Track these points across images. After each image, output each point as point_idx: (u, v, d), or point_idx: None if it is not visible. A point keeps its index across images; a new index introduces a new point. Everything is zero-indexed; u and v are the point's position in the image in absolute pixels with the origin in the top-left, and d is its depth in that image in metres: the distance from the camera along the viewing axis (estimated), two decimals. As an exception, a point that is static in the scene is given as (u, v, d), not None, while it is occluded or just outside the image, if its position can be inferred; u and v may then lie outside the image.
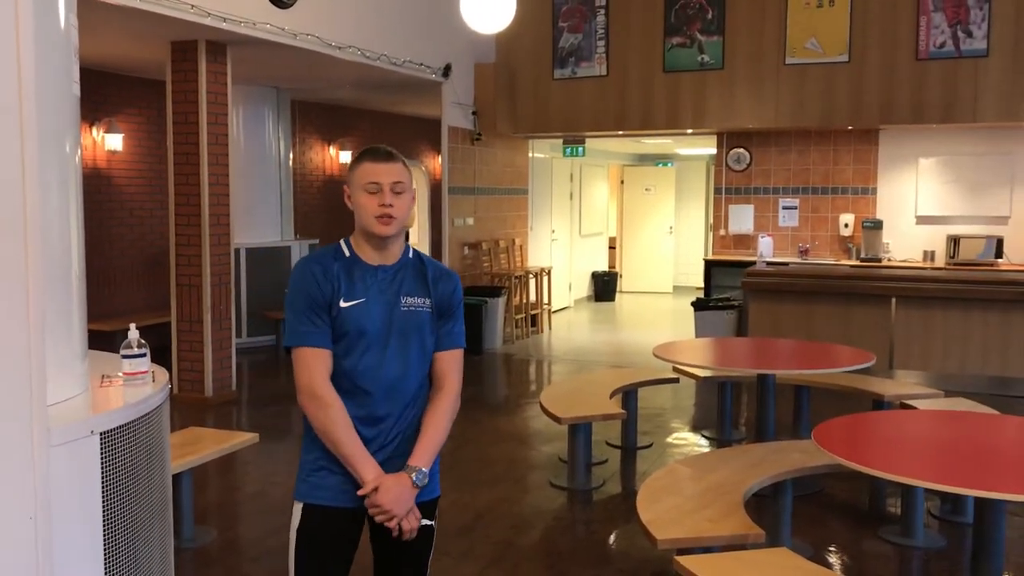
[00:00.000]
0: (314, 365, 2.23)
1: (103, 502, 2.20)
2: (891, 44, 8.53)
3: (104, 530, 2.21)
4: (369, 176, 2.25)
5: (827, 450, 3.24)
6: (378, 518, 2.22)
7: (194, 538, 4.23)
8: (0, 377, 2.01)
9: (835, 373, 5.49)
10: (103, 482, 2.21)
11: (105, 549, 2.21)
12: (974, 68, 8.25)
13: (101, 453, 2.20)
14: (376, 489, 2.19)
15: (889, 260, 9.37)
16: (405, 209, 2.28)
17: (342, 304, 2.25)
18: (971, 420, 4.04)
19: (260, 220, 9.60)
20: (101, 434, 2.21)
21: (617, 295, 14.22)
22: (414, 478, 2.22)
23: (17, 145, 2.00)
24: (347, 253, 2.32)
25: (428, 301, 2.33)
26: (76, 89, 2.48)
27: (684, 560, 2.99)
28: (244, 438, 4.55)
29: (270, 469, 5.47)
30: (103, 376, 2.63)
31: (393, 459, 2.28)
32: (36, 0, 2.07)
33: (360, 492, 2.21)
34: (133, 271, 9.00)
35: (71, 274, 2.44)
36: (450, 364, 2.36)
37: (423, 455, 2.26)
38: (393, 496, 2.19)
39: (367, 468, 2.21)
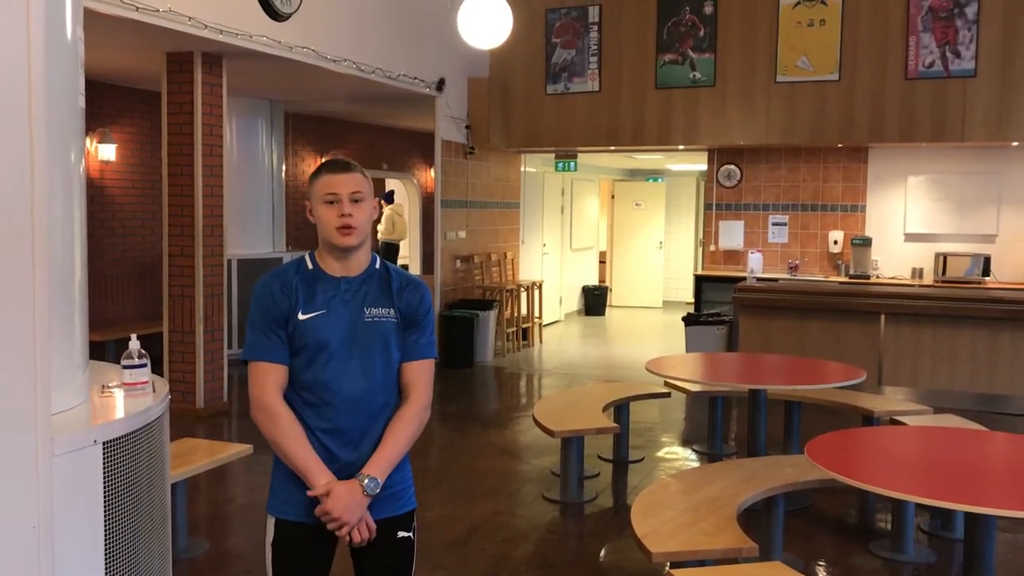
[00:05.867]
0: (266, 379, 2.24)
1: (105, 511, 2.21)
2: (881, 63, 8.63)
3: (106, 539, 2.21)
4: (327, 188, 2.25)
5: (821, 465, 3.27)
6: (329, 526, 2.19)
7: (187, 549, 4.23)
8: (5, 386, 2.02)
9: (826, 389, 5.53)
10: (105, 492, 2.22)
11: (106, 558, 2.22)
12: (962, 88, 8.35)
13: (103, 463, 2.21)
14: (327, 495, 2.17)
15: (878, 277, 9.45)
16: (365, 218, 2.27)
17: (300, 317, 2.24)
18: (961, 436, 4.08)
19: (252, 231, 9.59)
20: (104, 444, 2.22)
21: (607, 309, 14.26)
22: (365, 485, 2.19)
23: (27, 157, 2.01)
24: (310, 266, 2.32)
25: (392, 311, 2.31)
26: (81, 101, 2.50)
27: (678, 573, 3.01)
28: (238, 449, 4.54)
29: (262, 481, 5.43)
30: (103, 386, 2.64)
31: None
32: (46, 12, 2.09)
33: (310, 493, 2.19)
34: (124, 281, 8.98)
35: (74, 284, 2.45)
36: (418, 375, 2.33)
37: (377, 464, 2.23)
38: (343, 504, 2.17)
39: (318, 475, 2.20)
